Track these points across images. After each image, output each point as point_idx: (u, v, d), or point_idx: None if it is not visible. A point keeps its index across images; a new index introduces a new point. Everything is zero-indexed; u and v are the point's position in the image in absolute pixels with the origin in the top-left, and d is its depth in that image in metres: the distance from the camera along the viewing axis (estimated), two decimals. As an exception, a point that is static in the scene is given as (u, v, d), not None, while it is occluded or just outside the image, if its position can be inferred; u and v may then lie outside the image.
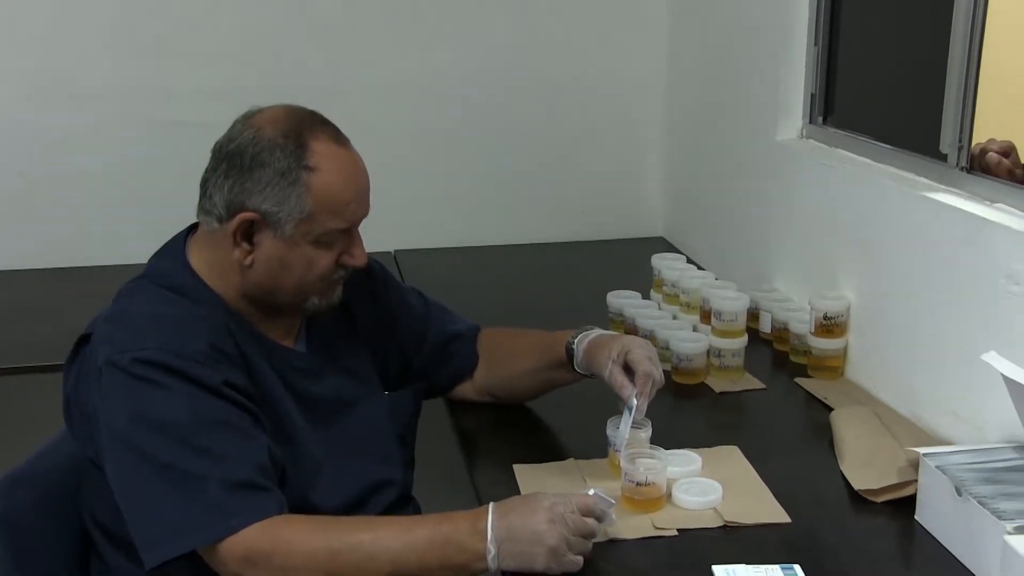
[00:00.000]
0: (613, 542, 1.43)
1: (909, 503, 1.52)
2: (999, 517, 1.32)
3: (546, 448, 1.74)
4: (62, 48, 2.77)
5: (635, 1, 3.01)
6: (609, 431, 1.61)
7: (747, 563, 1.36)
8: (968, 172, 1.79)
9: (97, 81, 2.80)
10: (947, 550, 1.42)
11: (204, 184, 1.48)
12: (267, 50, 2.85)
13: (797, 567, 1.35)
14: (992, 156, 1.77)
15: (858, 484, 1.57)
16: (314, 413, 1.53)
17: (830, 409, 1.86)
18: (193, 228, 1.54)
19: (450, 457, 1.79)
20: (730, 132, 2.61)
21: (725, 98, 2.64)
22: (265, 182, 1.42)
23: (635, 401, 1.56)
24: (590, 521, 1.36)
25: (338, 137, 1.48)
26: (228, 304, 1.48)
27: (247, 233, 1.45)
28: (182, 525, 1.31)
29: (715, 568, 1.36)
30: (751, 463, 1.65)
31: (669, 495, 1.53)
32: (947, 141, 1.82)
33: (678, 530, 1.47)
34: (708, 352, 2.01)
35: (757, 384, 2.00)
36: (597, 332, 1.71)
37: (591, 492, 1.39)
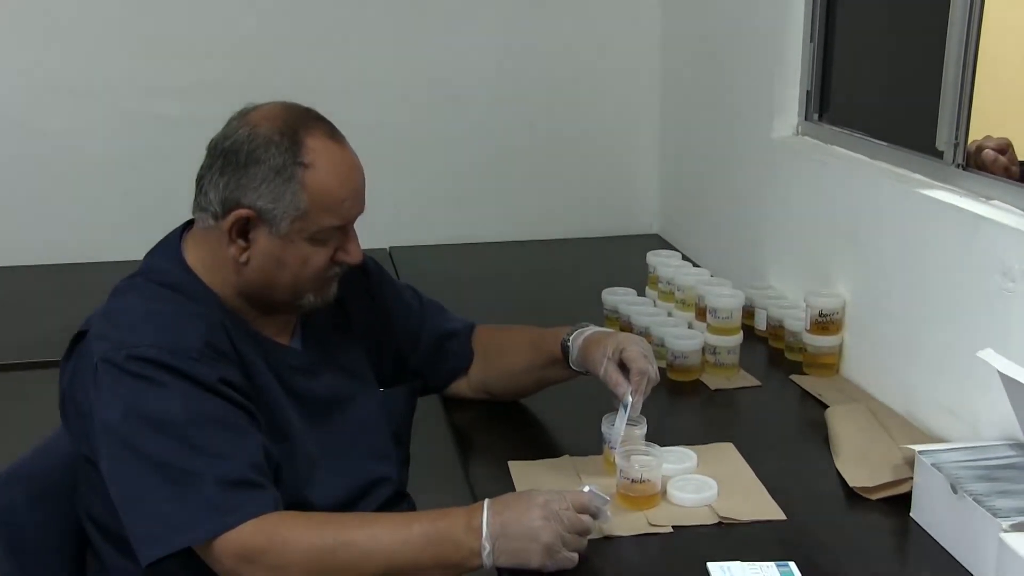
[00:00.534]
0: (608, 539, 1.44)
1: (904, 500, 1.52)
2: (995, 515, 1.32)
3: (541, 445, 1.74)
4: (55, 45, 2.77)
5: (630, -2, 3.01)
6: (604, 428, 1.61)
7: (742, 560, 1.36)
8: (964, 169, 1.79)
9: (92, 78, 2.79)
10: (942, 547, 1.42)
11: (200, 181, 1.48)
12: (263, 47, 2.84)
13: (792, 564, 1.35)
14: (988, 153, 1.77)
15: (853, 481, 1.57)
16: (309, 410, 1.53)
17: (825, 406, 1.86)
18: (189, 225, 1.53)
19: (445, 454, 1.79)
20: (725, 129, 2.61)
21: (720, 95, 2.64)
22: (260, 179, 1.42)
23: (630, 398, 1.56)
24: (585, 518, 1.36)
25: (333, 134, 1.48)
26: (223, 301, 1.48)
27: (242, 230, 1.44)
28: (177, 522, 1.31)
29: (710, 565, 1.36)
30: (746, 460, 1.66)
31: (664, 492, 1.54)
32: (943, 138, 1.82)
33: (673, 527, 1.47)
34: (703, 349, 2.01)
35: (752, 381, 2.00)
36: (592, 329, 1.71)
37: (586, 489, 1.39)
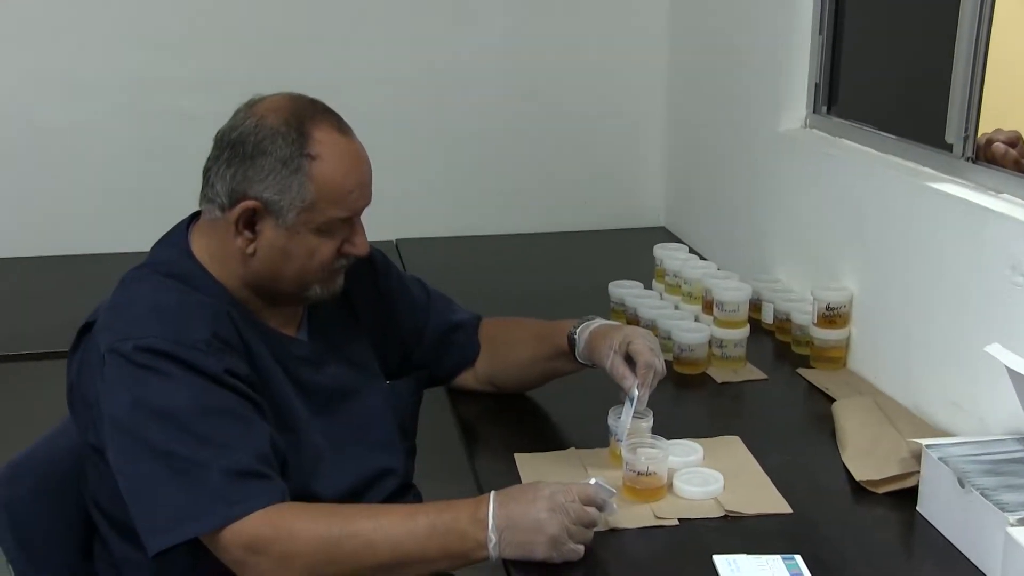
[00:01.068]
0: (614, 531, 1.44)
1: (911, 494, 1.52)
2: (1002, 509, 1.31)
3: (547, 437, 1.74)
4: (61, 39, 2.77)
5: (637, -11, 3.00)
6: (610, 421, 1.61)
7: (748, 553, 1.36)
8: (974, 162, 1.78)
9: (99, 71, 2.79)
10: (949, 541, 1.42)
11: (206, 172, 1.48)
12: (270, 40, 2.84)
13: (798, 557, 1.35)
14: (998, 146, 1.76)
15: (859, 475, 1.57)
16: (315, 402, 1.53)
17: (832, 400, 1.86)
18: (195, 216, 1.53)
19: (451, 446, 1.79)
20: (733, 121, 2.60)
21: (728, 87, 2.64)
22: (267, 170, 1.42)
23: (636, 391, 1.56)
24: (591, 510, 1.36)
25: (340, 126, 1.48)
26: (230, 292, 1.48)
27: (249, 221, 1.45)
28: (184, 513, 1.32)
29: (716, 558, 1.36)
30: (752, 453, 1.65)
31: (670, 485, 1.54)
32: (953, 131, 1.82)
33: (679, 520, 1.47)
34: (710, 342, 2.01)
35: (759, 374, 2.00)
36: (599, 322, 1.71)
37: (592, 481, 1.39)
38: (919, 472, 1.51)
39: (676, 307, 2.20)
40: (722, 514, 1.48)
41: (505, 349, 1.81)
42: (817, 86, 2.30)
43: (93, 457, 1.45)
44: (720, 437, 1.70)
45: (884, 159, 2.02)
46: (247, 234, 1.45)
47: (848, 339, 2.02)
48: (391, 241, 2.91)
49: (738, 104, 2.57)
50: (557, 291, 2.53)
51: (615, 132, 3.09)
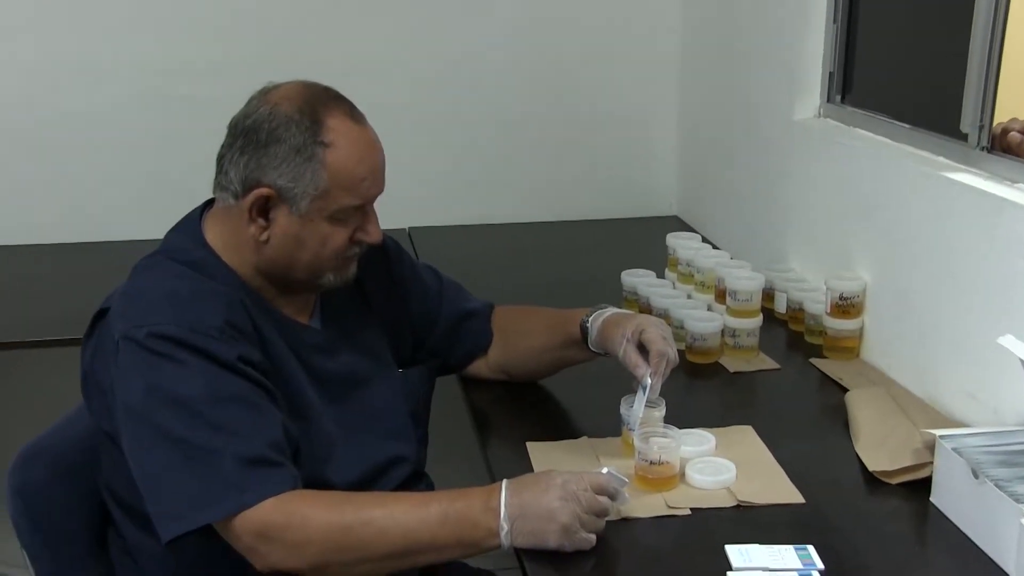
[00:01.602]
0: (626, 520, 1.44)
1: (924, 485, 1.51)
2: (1016, 500, 1.31)
3: (559, 426, 1.74)
4: (76, 26, 2.77)
5: (651, -23, 2.99)
6: (623, 410, 1.61)
7: (760, 543, 1.36)
8: (989, 152, 1.77)
9: (113, 58, 2.80)
10: (963, 532, 1.42)
11: (220, 160, 1.48)
12: (283, 28, 2.84)
13: (810, 548, 1.35)
14: (1014, 136, 1.75)
15: (873, 465, 1.57)
16: (328, 389, 1.54)
17: (845, 390, 1.85)
18: (209, 204, 1.54)
19: (463, 434, 1.80)
20: (746, 110, 2.59)
21: (741, 76, 2.62)
22: (281, 158, 1.42)
23: (649, 380, 1.56)
24: (603, 499, 1.36)
25: (354, 114, 1.48)
26: (243, 280, 1.49)
27: (262, 209, 1.45)
28: (197, 500, 1.32)
29: (728, 548, 1.36)
30: (765, 443, 1.65)
31: (682, 474, 1.53)
32: (968, 120, 1.81)
33: (691, 509, 1.47)
34: (723, 332, 2.00)
35: (772, 364, 1.99)
36: (611, 311, 1.70)
37: (604, 470, 1.39)
38: (933, 463, 1.50)
39: (689, 296, 2.19)
40: (734, 504, 1.48)
41: (517, 337, 1.81)
42: (831, 75, 2.29)
43: (107, 443, 1.46)
44: (733, 427, 1.70)
45: (898, 148, 2.01)
46: (260, 222, 1.45)
47: (861, 329, 2.01)
48: (404, 229, 2.91)
49: (752, 93, 2.56)
50: (569, 280, 2.53)
51: (628, 121, 3.08)
